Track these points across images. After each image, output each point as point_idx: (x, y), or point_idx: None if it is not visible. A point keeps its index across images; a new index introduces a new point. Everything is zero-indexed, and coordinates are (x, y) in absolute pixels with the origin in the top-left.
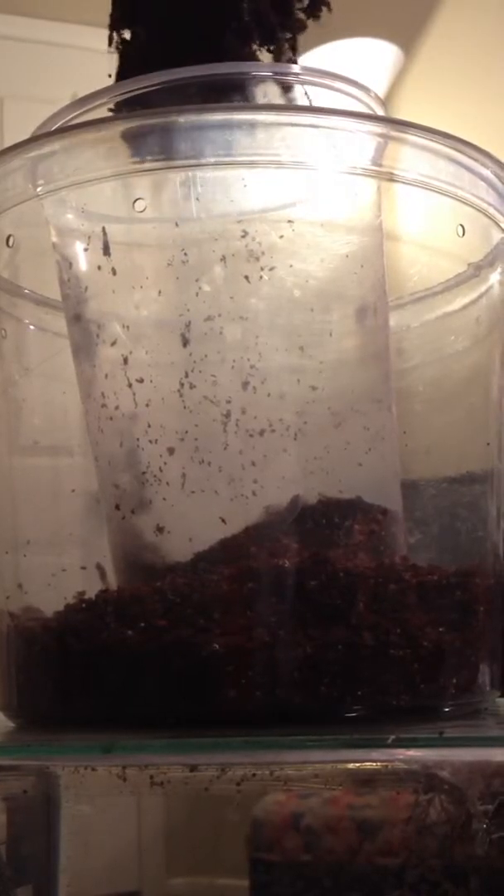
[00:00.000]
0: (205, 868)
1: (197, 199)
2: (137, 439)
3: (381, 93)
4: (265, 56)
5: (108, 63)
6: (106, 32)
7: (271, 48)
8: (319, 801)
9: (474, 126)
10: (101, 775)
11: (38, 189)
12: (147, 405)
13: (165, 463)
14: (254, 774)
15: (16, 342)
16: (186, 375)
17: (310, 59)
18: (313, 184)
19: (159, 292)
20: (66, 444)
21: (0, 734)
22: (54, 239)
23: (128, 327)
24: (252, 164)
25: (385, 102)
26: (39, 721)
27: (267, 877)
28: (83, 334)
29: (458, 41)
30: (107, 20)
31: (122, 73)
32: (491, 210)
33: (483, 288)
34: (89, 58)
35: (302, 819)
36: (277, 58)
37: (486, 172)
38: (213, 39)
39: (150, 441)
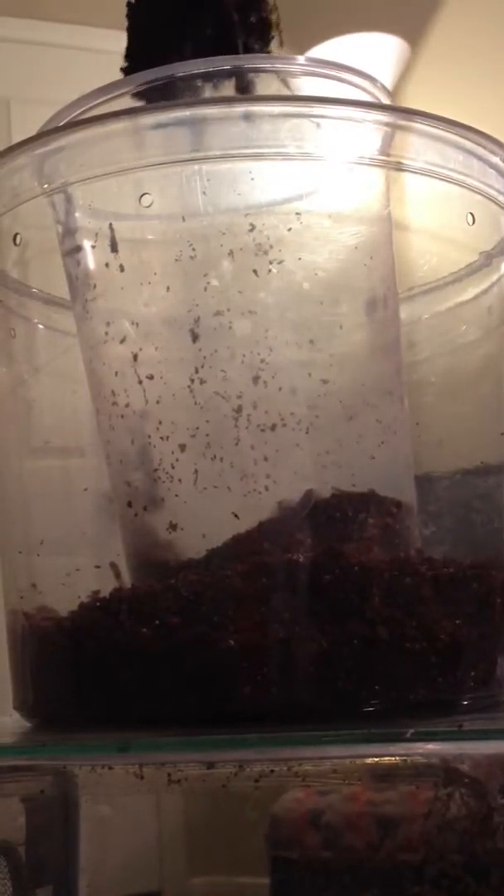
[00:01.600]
0: (225, 867)
1: (204, 193)
2: (149, 436)
3: (388, 87)
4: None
5: (114, 64)
6: (110, 33)
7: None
8: (338, 798)
9: (481, 120)
10: (118, 774)
11: (45, 186)
12: (157, 402)
13: (177, 459)
14: (272, 771)
15: (25, 342)
16: (196, 371)
17: (316, 53)
18: (320, 175)
19: (167, 288)
20: (78, 443)
21: (16, 734)
22: (62, 236)
23: (137, 324)
24: (258, 156)
25: (392, 96)
26: (55, 720)
27: (287, 874)
28: (92, 332)
29: (464, 34)
30: (111, 22)
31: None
32: (501, 198)
33: (494, 277)
34: (95, 60)
35: (321, 816)
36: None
37: (496, 160)
38: None
39: (162, 438)
